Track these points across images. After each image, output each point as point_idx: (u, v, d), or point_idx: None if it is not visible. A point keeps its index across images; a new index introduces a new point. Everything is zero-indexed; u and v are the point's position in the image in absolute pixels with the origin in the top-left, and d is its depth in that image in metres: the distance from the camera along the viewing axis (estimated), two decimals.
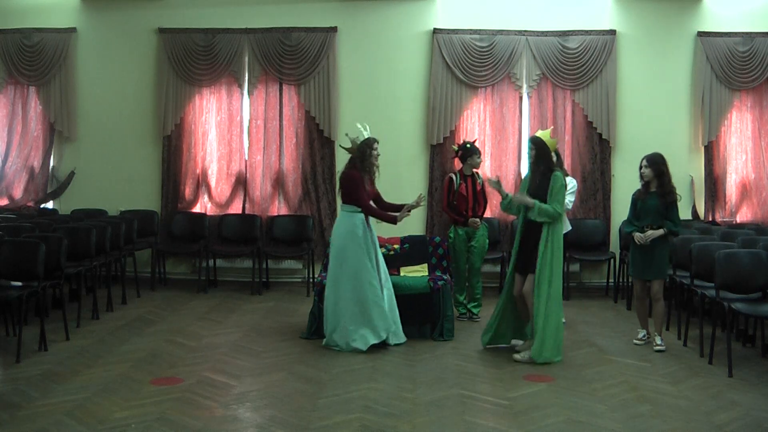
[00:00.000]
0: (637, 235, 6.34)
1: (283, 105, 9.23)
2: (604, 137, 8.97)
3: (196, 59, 9.19)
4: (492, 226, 8.65)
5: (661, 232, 6.29)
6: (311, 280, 8.81)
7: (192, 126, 9.33)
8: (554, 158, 6.19)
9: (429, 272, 7.11)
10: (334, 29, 9.13)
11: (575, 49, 8.94)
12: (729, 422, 4.66)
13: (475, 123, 9.12)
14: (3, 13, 9.42)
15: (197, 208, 9.37)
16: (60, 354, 5.96)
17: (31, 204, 9.38)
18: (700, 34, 8.99)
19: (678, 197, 6.38)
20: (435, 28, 9.06)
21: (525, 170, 8.95)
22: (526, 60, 9.05)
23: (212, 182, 9.37)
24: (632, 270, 6.57)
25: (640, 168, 6.44)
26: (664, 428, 4.58)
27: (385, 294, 6.31)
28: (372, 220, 6.38)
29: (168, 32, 9.24)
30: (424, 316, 6.67)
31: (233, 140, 9.33)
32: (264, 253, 8.99)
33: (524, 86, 9.07)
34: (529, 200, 5.93)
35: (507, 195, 6.20)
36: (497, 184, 6.26)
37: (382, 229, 7.85)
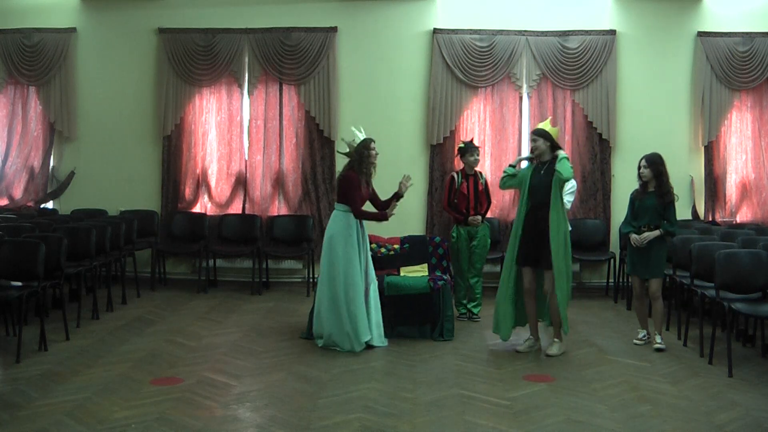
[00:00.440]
0: (633, 237, 6.37)
1: (283, 105, 9.23)
2: (604, 137, 8.97)
3: (196, 59, 9.19)
4: (492, 226, 8.64)
5: (657, 233, 6.30)
6: (311, 280, 8.81)
7: (192, 126, 9.33)
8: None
9: (429, 272, 7.11)
10: (334, 29, 9.13)
11: (575, 49, 8.94)
12: (729, 422, 4.66)
13: (475, 123, 9.12)
14: (3, 13, 9.43)
15: (197, 208, 9.37)
16: (60, 354, 5.96)
17: (31, 204, 9.38)
18: (700, 34, 8.99)
19: (676, 197, 6.39)
20: (435, 28, 9.06)
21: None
22: (526, 60, 9.05)
23: (212, 182, 9.38)
24: (630, 269, 6.60)
25: (639, 168, 6.45)
26: (664, 428, 4.58)
27: (371, 295, 6.34)
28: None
29: (168, 32, 9.24)
30: (424, 316, 6.66)
31: (233, 140, 9.34)
32: (264, 253, 8.99)
33: (524, 86, 9.07)
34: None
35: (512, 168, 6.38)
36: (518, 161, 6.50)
37: (381, 229, 7.87)
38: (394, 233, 7.76)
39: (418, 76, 9.16)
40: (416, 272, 7.10)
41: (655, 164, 6.35)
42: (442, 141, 9.03)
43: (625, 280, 8.52)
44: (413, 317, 6.65)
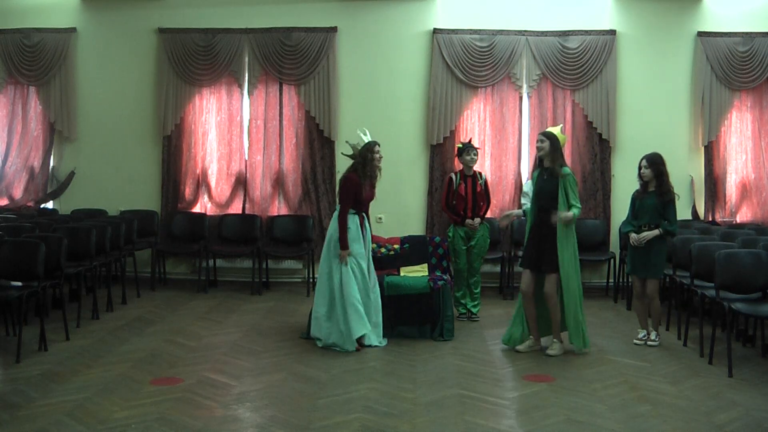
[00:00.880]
0: (632, 237, 6.38)
1: (283, 105, 9.23)
2: (604, 137, 8.96)
3: (196, 59, 9.19)
4: (492, 227, 8.65)
5: (656, 232, 6.30)
6: (311, 280, 8.81)
7: (192, 126, 9.33)
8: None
9: (429, 272, 7.10)
10: (334, 29, 9.12)
11: (575, 49, 8.94)
12: (729, 422, 4.66)
13: (475, 123, 9.12)
14: (3, 13, 9.42)
15: (197, 208, 9.37)
16: (60, 354, 5.96)
17: (31, 204, 9.38)
18: (700, 34, 8.99)
19: (677, 197, 6.39)
20: (435, 28, 9.06)
21: (525, 170, 9.02)
22: (526, 60, 9.04)
23: (212, 182, 9.37)
24: (629, 268, 6.61)
25: (640, 168, 6.45)
26: (664, 428, 4.58)
27: (371, 297, 6.36)
28: (369, 219, 6.49)
29: (168, 32, 9.24)
30: (424, 316, 6.66)
31: (233, 140, 9.33)
32: (264, 253, 8.99)
33: (524, 86, 9.07)
34: (570, 214, 6.00)
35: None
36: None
37: (382, 229, 7.90)
38: (394, 233, 7.76)
39: (418, 76, 9.16)
40: (416, 272, 7.10)
41: (655, 164, 6.36)
42: (442, 141, 9.03)
43: (625, 280, 8.52)
44: (413, 317, 6.65)
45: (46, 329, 6.13)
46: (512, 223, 8.81)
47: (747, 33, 8.96)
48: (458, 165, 7.76)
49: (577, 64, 8.93)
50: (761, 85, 9.02)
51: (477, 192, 7.41)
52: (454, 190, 7.38)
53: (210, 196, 9.38)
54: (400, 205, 9.10)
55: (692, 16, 9.05)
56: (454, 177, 7.46)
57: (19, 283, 6.23)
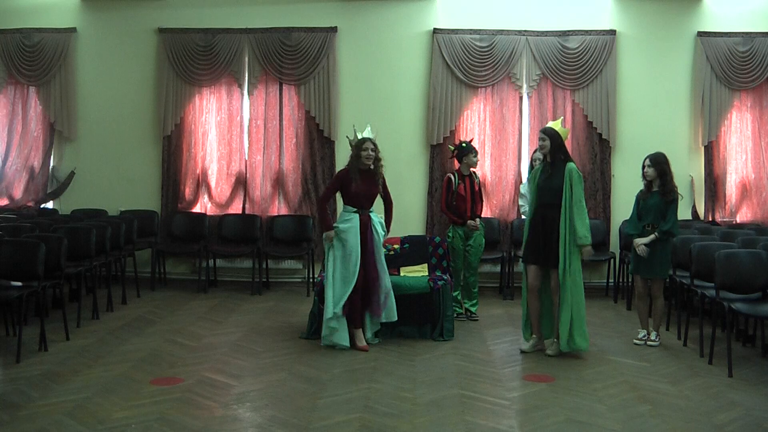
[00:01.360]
0: (637, 243, 6.39)
1: (283, 105, 9.23)
2: (604, 137, 8.97)
3: (196, 59, 9.19)
4: (491, 226, 8.66)
5: (652, 237, 6.31)
6: (311, 280, 8.82)
7: (192, 126, 9.33)
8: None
9: (429, 272, 7.10)
10: (334, 29, 9.13)
11: (575, 49, 8.94)
12: (729, 422, 4.66)
13: (475, 123, 9.12)
14: (3, 13, 9.42)
15: (197, 208, 9.37)
16: (60, 354, 5.96)
17: (31, 204, 9.38)
18: (700, 34, 8.99)
19: (680, 197, 6.39)
20: (435, 28, 9.06)
21: (525, 170, 9.01)
22: (526, 60, 9.05)
23: (212, 182, 9.37)
24: (633, 268, 6.59)
25: (643, 168, 6.44)
26: (664, 428, 4.58)
27: (348, 287, 6.25)
28: (377, 222, 6.43)
29: (168, 32, 9.24)
30: (424, 316, 6.67)
31: (233, 140, 9.34)
32: (264, 253, 8.99)
33: (524, 86, 9.07)
34: (589, 249, 6.03)
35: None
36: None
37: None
38: (394, 233, 7.73)
39: (418, 76, 9.16)
40: (416, 272, 7.10)
41: (659, 164, 6.36)
42: (442, 141, 9.03)
43: (624, 280, 8.52)
44: (413, 317, 6.65)
45: (46, 329, 6.14)
46: (512, 222, 8.85)
47: (747, 33, 8.96)
48: (456, 165, 7.75)
49: (577, 64, 8.93)
50: (761, 85, 9.02)
51: (475, 191, 7.42)
52: (454, 190, 7.38)
53: (210, 196, 9.38)
54: (400, 205, 8.95)
55: (692, 16, 9.05)
56: (453, 177, 7.46)
57: (19, 283, 6.23)
